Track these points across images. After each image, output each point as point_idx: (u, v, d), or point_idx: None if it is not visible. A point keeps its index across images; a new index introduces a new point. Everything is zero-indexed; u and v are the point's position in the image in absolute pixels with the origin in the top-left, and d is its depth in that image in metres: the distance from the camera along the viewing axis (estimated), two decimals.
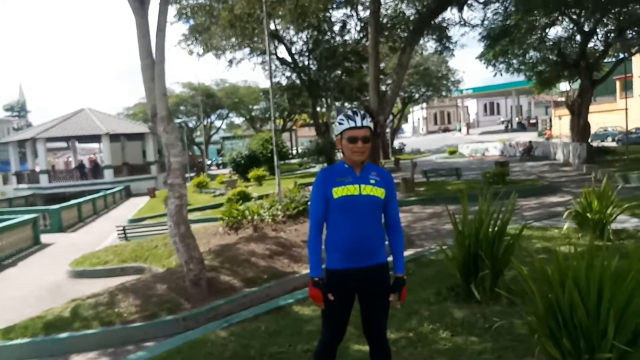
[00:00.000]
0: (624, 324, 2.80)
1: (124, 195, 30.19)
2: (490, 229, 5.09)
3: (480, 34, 23.17)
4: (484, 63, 25.71)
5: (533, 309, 3.17)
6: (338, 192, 2.79)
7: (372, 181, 2.83)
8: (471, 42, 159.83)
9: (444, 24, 23.71)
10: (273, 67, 36.02)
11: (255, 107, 48.00)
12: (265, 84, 51.78)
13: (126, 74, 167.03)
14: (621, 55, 24.99)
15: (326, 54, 30.41)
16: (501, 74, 28.60)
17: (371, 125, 2.81)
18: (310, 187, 10.09)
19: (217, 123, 53.29)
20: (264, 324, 4.89)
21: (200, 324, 5.58)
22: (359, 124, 2.75)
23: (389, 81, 31.56)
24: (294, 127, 50.57)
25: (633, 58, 27.70)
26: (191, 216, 13.83)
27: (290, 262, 7.39)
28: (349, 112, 2.82)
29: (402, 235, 2.99)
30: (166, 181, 6.26)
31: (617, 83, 38.31)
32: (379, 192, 2.82)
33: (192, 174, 37.25)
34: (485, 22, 22.68)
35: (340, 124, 2.81)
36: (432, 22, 21.17)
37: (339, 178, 2.82)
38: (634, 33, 21.66)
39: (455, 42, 25.22)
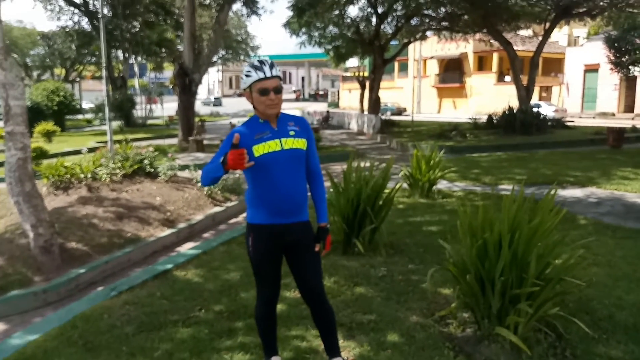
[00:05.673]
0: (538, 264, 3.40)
1: None
2: (370, 188, 5.51)
3: (289, 2, 23.76)
4: (289, 32, 26.45)
5: (459, 255, 3.60)
6: (259, 149, 2.61)
7: (292, 132, 2.70)
8: (278, 9, 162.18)
9: None
10: (57, 9, 31.35)
11: (31, 52, 41.00)
12: (44, 26, 44.69)
13: None
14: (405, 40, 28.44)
15: (124, 1, 27.61)
16: (304, 45, 30.01)
17: (280, 74, 2.66)
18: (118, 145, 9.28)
19: None
20: (157, 290, 4.47)
21: (62, 296, 4.84)
22: (268, 74, 2.56)
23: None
24: (78, 79, 44.92)
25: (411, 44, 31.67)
26: None
27: (144, 225, 6.80)
28: (256, 63, 2.60)
29: (323, 182, 2.94)
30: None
31: (396, 64, 43.57)
32: (301, 144, 2.72)
33: None
34: None
35: (247, 76, 2.60)
36: None
37: (257, 135, 2.64)
38: (418, 21, 24.89)
39: (263, 8, 25.47)
